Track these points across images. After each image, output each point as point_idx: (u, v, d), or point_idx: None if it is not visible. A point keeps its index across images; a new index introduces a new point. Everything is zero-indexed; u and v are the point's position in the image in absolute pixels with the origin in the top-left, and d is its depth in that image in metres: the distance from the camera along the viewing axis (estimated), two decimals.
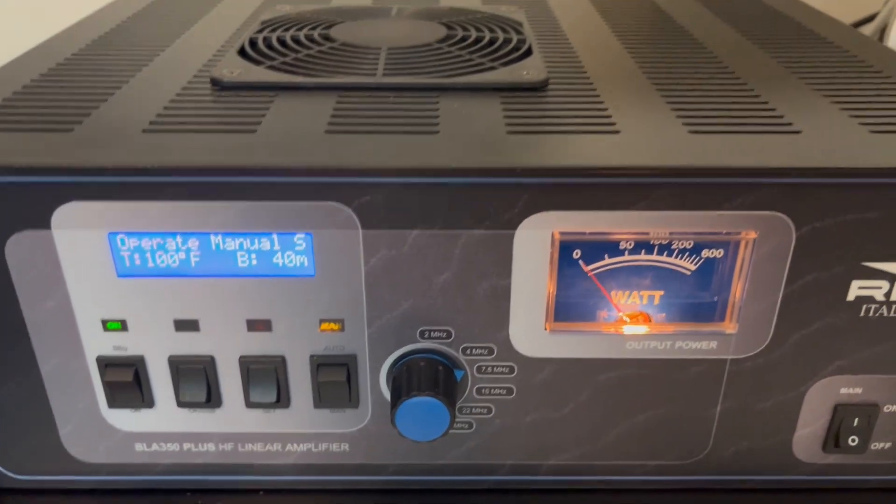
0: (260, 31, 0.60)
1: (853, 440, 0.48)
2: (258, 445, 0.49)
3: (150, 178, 0.40)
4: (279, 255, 0.43)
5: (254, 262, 0.43)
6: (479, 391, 0.47)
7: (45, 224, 0.41)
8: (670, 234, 0.43)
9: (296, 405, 0.47)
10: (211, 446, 0.49)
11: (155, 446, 0.49)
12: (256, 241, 0.42)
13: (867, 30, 0.94)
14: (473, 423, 0.48)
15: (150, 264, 0.43)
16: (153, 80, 0.53)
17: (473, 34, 0.59)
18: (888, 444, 0.49)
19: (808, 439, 0.49)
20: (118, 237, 0.42)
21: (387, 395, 0.47)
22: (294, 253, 0.43)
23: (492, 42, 0.58)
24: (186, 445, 0.49)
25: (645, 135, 0.44)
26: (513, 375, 0.47)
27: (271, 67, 0.52)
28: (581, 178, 0.40)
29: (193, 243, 0.42)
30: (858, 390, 0.47)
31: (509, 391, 0.47)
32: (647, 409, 0.48)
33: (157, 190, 0.40)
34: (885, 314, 0.44)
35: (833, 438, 0.49)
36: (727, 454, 0.50)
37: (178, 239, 0.42)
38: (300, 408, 0.48)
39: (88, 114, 0.46)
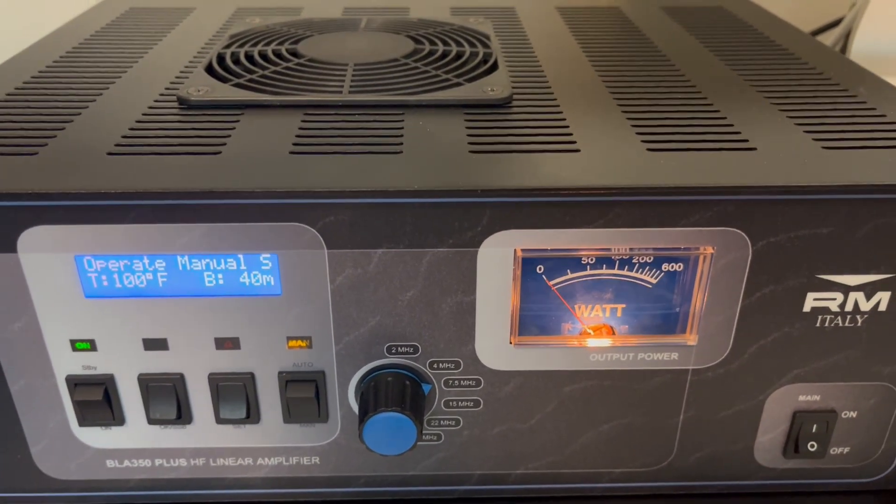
0: (228, 45, 0.61)
1: (812, 446, 0.50)
2: (229, 460, 0.50)
3: (115, 201, 0.40)
4: (246, 274, 0.43)
5: (221, 281, 0.43)
6: (446, 404, 0.48)
7: (11, 248, 0.42)
8: (630, 249, 0.43)
9: (266, 420, 0.48)
10: (182, 461, 0.50)
11: (126, 462, 0.49)
12: (223, 261, 0.43)
13: (832, 34, 0.96)
14: (442, 435, 0.49)
15: (118, 285, 0.43)
16: (119, 99, 0.53)
17: (440, 48, 0.60)
18: (847, 449, 0.50)
19: (769, 445, 0.50)
20: (85, 259, 0.42)
21: (356, 408, 0.48)
22: (260, 273, 0.43)
23: (458, 56, 0.59)
24: (158, 461, 0.50)
25: (605, 153, 0.45)
26: (479, 388, 0.47)
27: (238, 85, 0.53)
28: (542, 197, 0.41)
29: (160, 264, 0.43)
30: (816, 397, 0.49)
31: (476, 403, 0.48)
32: (612, 419, 0.49)
33: (123, 213, 0.41)
34: (840, 324, 0.46)
35: (793, 444, 0.50)
36: (691, 461, 0.51)
37: (145, 260, 0.43)
38: (270, 423, 0.48)
39: (54, 136, 0.46)
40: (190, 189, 0.40)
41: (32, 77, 0.57)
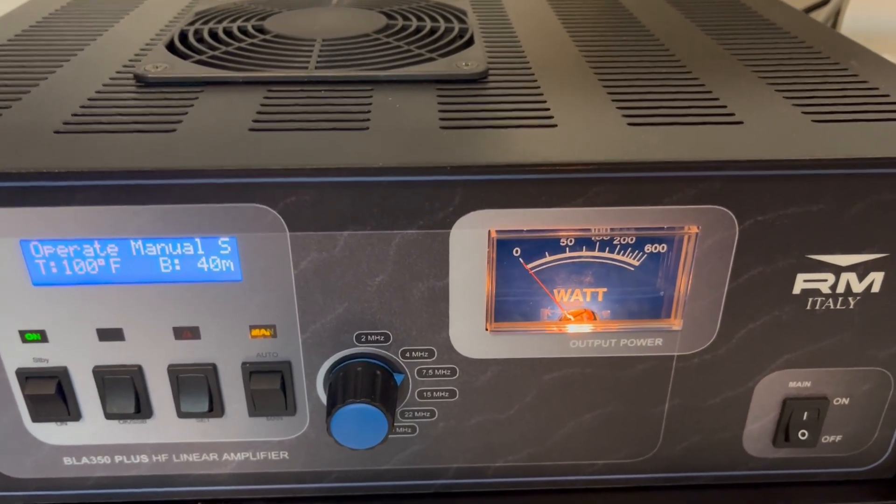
0: (192, 22, 0.58)
1: (803, 434, 0.48)
2: (194, 456, 0.47)
3: (62, 182, 0.38)
4: (204, 259, 0.41)
5: (177, 267, 0.41)
6: (420, 395, 0.46)
7: None
8: (611, 230, 0.41)
9: (230, 414, 0.46)
10: (144, 458, 0.47)
11: (85, 460, 0.47)
12: (179, 245, 0.40)
13: (822, 13, 0.94)
14: (416, 428, 0.47)
15: (68, 272, 0.41)
16: (72, 77, 0.50)
17: (414, 23, 0.57)
18: (838, 437, 0.49)
19: (758, 434, 0.48)
20: (31, 244, 0.40)
21: (325, 400, 0.45)
22: (219, 257, 0.41)
23: (432, 31, 0.56)
24: (118, 458, 0.47)
25: (583, 128, 0.42)
26: (455, 378, 0.45)
27: (199, 62, 0.50)
28: (516, 174, 0.39)
29: (112, 249, 0.40)
30: (807, 384, 0.47)
31: (452, 394, 0.46)
32: (594, 408, 0.47)
33: (70, 194, 0.38)
34: (832, 307, 0.44)
35: (783, 433, 0.48)
36: (677, 451, 0.49)
37: (96, 245, 0.40)
38: (235, 416, 0.46)
39: None
40: (140, 168, 0.38)
41: None
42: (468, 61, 0.50)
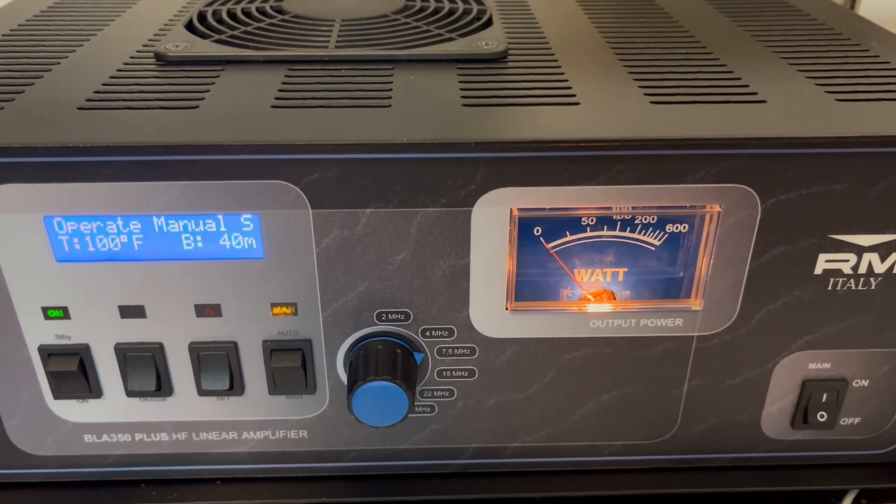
0: (210, 3, 0.58)
1: (822, 416, 0.48)
2: (213, 434, 0.47)
3: (85, 157, 0.38)
4: (226, 236, 0.41)
5: (200, 244, 0.41)
6: (440, 374, 0.46)
7: None
8: (633, 208, 0.41)
9: (250, 392, 0.46)
10: (164, 436, 0.47)
11: (105, 437, 0.47)
12: (202, 222, 0.40)
13: None
14: (435, 407, 0.47)
15: (91, 248, 0.41)
16: (94, 55, 0.50)
17: (432, 4, 0.57)
18: (857, 420, 0.48)
19: (776, 416, 0.48)
20: (55, 220, 0.40)
21: (345, 379, 0.45)
22: (241, 234, 0.41)
23: (451, 12, 0.56)
24: (138, 435, 0.47)
25: (606, 106, 0.42)
26: (474, 357, 0.45)
27: (219, 41, 0.50)
28: (539, 151, 0.39)
29: (135, 226, 0.40)
30: (827, 365, 0.46)
31: (471, 373, 0.46)
32: (613, 389, 0.47)
33: (94, 170, 0.38)
34: (853, 287, 0.43)
35: (802, 414, 0.48)
36: (695, 433, 0.49)
37: (119, 222, 0.40)
38: (255, 395, 0.46)
39: (22, 91, 0.44)
40: (165, 143, 0.38)
41: (3, 35, 0.54)
42: (488, 41, 0.50)
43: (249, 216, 0.40)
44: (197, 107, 0.42)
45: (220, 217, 0.40)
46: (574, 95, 0.44)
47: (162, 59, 0.48)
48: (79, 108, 0.41)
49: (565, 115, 0.41)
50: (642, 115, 0.41)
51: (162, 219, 0.40)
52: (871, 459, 0.50)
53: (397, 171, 0.39)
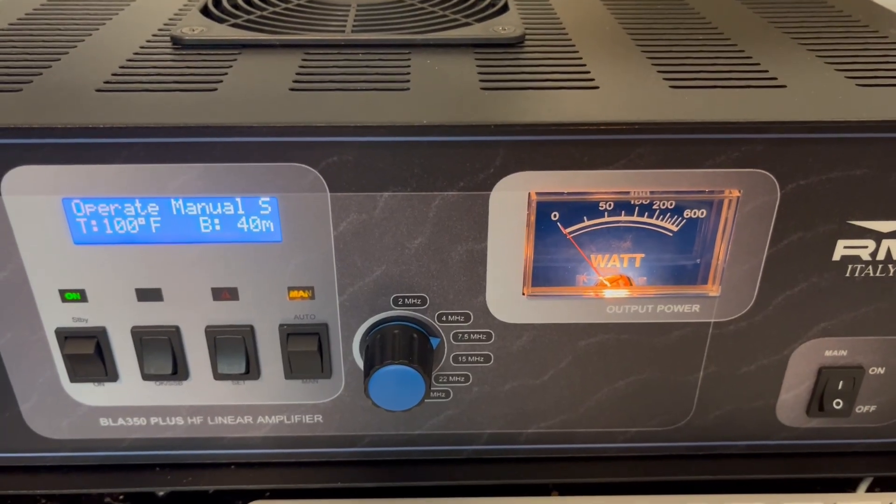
0: None
1: (838, 403, 0.48)
2: (228, 418, 0.48)
3: (103, 139, 0.38)
4: (244, 219, 0.41)
5: (217, 227, 0.41)
6: (455, 359, 0.46)
7: None
8: (651, 193, 0.41)
9: (266, 376, 0.46)
10: (179, 420, 0.47)
11: (121, 421, 0.47)
12: (219, 205, 0.40)
13: None
14: (451, 392, 0.47)
15: (109, 231, 0.41)
16: (110, 39, 0.50)
17: None
18: (873, 407, 0.48)
19: (792, 403, 0.48)
20: (73, 203, 0.40)
21: (360, 364, 0.45)
22: (259, 217, 0.41)
23: None
24: (154, 419, 0.47)
25: (625, 90, 0.42)
26: (490, 342, 0.45)
27: (235, 25, 0.50)
28: (558, 135, 0.39)
29: (153, 208, 0.40)
30: (843, 353, 0.46)
31: (487, 358, 0.46)
32: (629, 375, 0.47)
33: (113, 152, 0.38)
34: (871, 274, 0.43)
35: (817, 402, 0.48)
36: (710, 419, 0.49)
37: (137, 204, 0.40)
38: (271, 379, 0.46)
39: (40, 73, 0.44)
40: (184, 124, 0.38)
41: (18, 19, 0.54)
42: (504, 26, 0.50)
43: (267, 199, 0.40)
44: (215, 89, 0.42)
45: (238, 200, 0.40)
46: (592, 79, 0.43)
47: (178, 43, 0.48)
48: (97, 91, 0.41)
49: (584, 98, 0.41)
50: (662, 99, 0.41)
51: (180, 201, 0.40)
52: (886, 447, 0.50)
53: (416, 154, 0.39)
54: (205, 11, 0.53)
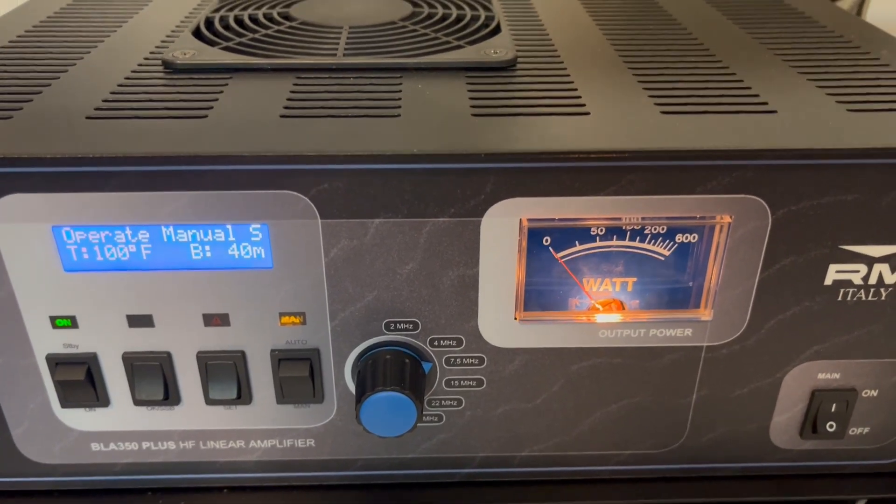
0: (217, 9, 0.58)
1: (831, 426, 0.47)
2: (220, 443, 0.47)
3: (93, 167, 0.38)
4: (235, 246, 0.41)
5: (208, 253, 0.41)
6: (448, 383, 0.46)
7: None
8: (642, 219, 0.41)
9: (258, 401, 0.46)
10: (171, 444, 0.47)
11: (112, 446, 0.47)
12: (210, 232, 0.40)
13: (846, 3, 0.93)
14: (443, 416, 0.47)
15: (99, 258, 0.41)
16: (101, 63, 0.50)
17: (440, 11, 0.57)
18: (866, 430, 0.48)
19: (785, 426, 0.48)
20: (63, 230, 0.40)
21: (353, 388, 0.45)
22: (250, 244, 0.41)
23: (459, 19, 0.56)
24: (145, 444, 0.47)
25: (616, 116, 0.42)
26: (483, 367, 0.45)
27: (226, 49, 0.50)
28: (549, 162, 0.39)
29: (144, 235, 0.40)
30: (836, 375, 0.46)
31: (479, 383, 0.46)
32: (622, 399, 0.47)
33: (103, 180, 0.38)
34: (863, 298, 0.43)
35: (811, 424, 0.48)
36: (703, 442, 0.48)
37: (128, 231, 0.40)
38: (263, 404, 0.46)
39: (30, 100, 0.44)
40: (174, 153, 0.38)
41: (10, 41, 0.54)
42: (496, 49, 0.50)
43: (258, 226, 0.40)
44: (206, 116, 0.42)
45: (229, 227, 0.40)
46: (584, 105, 0.44)
47: (170, 67, 0.48)
48: (87, 118, 0.41)
49: (575, 125, 0.41)
50: (652, 126, 0.41)
51: (171, 228, 0.40)
52: (879, 469, 0.50)
53: (406, 181, 0.39)
54: (197, 34, 0.53)
